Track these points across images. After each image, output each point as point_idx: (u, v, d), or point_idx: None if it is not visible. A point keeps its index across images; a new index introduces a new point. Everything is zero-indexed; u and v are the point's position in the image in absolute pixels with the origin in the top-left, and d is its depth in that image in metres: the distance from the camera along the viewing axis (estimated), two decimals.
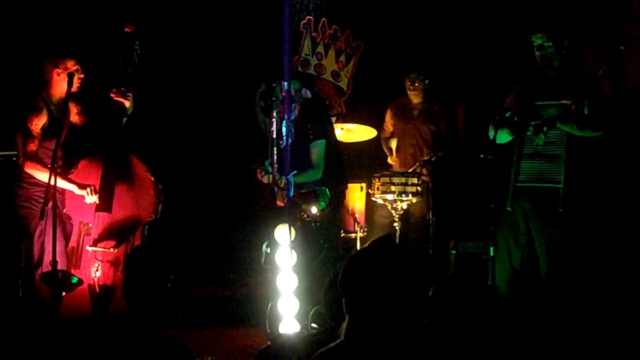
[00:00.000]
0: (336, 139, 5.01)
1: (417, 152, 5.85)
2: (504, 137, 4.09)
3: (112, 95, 4.48)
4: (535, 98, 4.04)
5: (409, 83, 5.87)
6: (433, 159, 5.72)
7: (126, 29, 4.50)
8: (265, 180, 4.48)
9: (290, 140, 4.23)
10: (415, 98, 5.91)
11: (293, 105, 4.54)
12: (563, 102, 3.97)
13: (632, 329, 3.83)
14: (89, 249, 4.30)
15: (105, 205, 4.37)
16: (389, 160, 5.97)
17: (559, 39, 4.06)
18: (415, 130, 5.86)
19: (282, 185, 4.43)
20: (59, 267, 3.90)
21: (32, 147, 4.33)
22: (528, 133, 4.04)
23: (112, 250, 4.30)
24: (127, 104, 4.51)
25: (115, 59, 4.53)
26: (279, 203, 4.58)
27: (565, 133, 4.00)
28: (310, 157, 4.58)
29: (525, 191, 4.05)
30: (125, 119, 4.53)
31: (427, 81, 5.88)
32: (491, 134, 4.14)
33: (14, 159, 4.72)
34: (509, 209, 4.00)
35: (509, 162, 4.12)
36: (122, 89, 4.48)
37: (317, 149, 4.60)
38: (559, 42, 4.05)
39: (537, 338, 3.63)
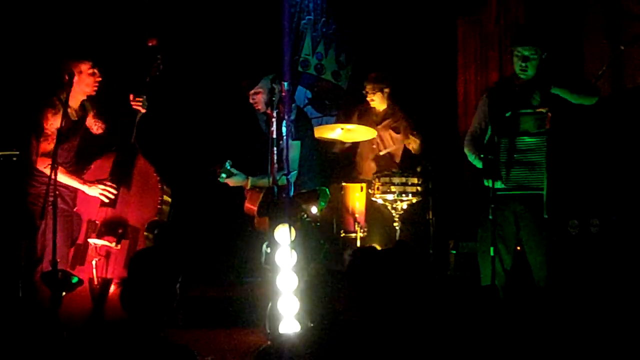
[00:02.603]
0: (315, 140, 4.89)
1: (379, 158, 5.87)
2: (477, 164, 4.21)
3: (130, 101, 4.51)
4: (507, 108, 4.05)
5: (367, 93, 5.86)
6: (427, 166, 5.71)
7: (149, 43, 4.54)
8: (230, 182, 4.47)
9: (289, 140, 4.22)
10: (376, 105, 5.91)
11: (293, 105, 4.54)
12: (539, 110, 4.00)
13: (627, 331, 3.83)
14: (91, 241, 4.33)
15: (109, 200, 4.40)
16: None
17: (543, 51, 4.09)
18: (378, 137, 5.86)
19: (249, 187, 4.49)
20: (60, 267, 3.92)
21: (46, 145, 4.34)
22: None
23: (113, 245, 4.32)
24: (142, 111, 4.55)
25: (137, 69, 4.58)
26: (249, 206, 4.59)
27: (544, 140, 4.01)
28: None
29: (513, 197, 4.05)
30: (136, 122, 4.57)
31: (386, 90, 5.85)
32: (468, 156, 4.28)
33: (14, 159, 4.73)
34: (490, 217, 4.00)
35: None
36: (143, 97, 4.52)
37: (292, 151, 4.45)
38: (541, 55, 4.09)
39: (533, 338, 3.64)
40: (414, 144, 5.83)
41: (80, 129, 4.58)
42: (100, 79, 4.48)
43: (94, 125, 4.66)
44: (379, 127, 5.85)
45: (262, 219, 4.57)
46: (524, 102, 4.05)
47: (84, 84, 4.42)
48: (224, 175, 4.43)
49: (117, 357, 2.47)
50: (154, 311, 2.54)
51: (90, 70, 4.43)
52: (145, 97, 4.53)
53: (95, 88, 4.49)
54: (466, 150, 4.31)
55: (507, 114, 4.01)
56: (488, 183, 3.99)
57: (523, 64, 4.07)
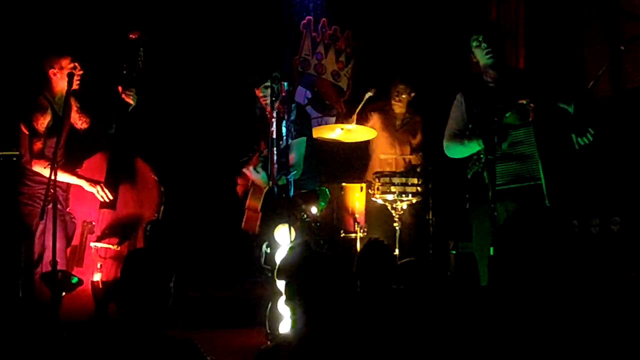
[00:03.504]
0: (313, 138, 4.93)
1: (398, 163, 5.86)
2: (472, 147, 4.04)
3: (120, 93, 4.53)
4: (486, 103, 4.00)
5: (395, 95, 5.85)
6: (427, 165, 5.71)
7: (131, 36, 4.55)
8: (253, 177, 4.41)
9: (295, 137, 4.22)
10: (398, 108, 5.91)
11: (293, 105, 4.53)
12: (520, 102, 3.96)
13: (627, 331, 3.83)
14: (93, 245, 4.34)
15: (109, 202, 4.41)
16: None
17: (494, 36, 4.07)
18: (396, 141, 5.86)
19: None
20: (59, 267, 3.92)
21: (39, 145, 4.39)
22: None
23: (115, 247, 4.33)
24: (132, 103, 4.56)
25: (121, 63, 4.59)
26: (252, 203, 4.58)
27: (531, 130, 3.99)
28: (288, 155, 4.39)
29: (506, 193, 4.01)
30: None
31: (413, 94, 5.87)
32: (454, 150, 4.15)
33: (14, 159, 4.75)
34: (496, 213, 3.97)
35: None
36: (132, 89, 4.53)
37: (298, 147, 4.47)
38: (495, 40, 4.06)
39: (533, 338, 3.63)
40: (414, 161, 5.86)
41: (66, 125, 4.58)
42: (82, 72, 4.50)
43: (79, 120, 4.68)
44: (398, 131, 5.86)
45: (250, 221, 4.55)
46: (502, 96, 4.01)
47: (66, 80, 4.40)
48: (257, 169, 4.35)
49: (121, 356, 2.47)
50: (148, 310, 2.53)
51: (71, 65, 4.45)
52: (134, 89, 4.54)
53: (78, 82, 4.49)
54: (451, 146, 4.16)
55: (507, 114, 3.98)
56: (500, 145, 3.92)
57: (488, 48, 4.03)
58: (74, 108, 4.65)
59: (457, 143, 4.13)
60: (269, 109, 4.29)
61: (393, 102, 5.88)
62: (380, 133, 5.90)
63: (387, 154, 5.86)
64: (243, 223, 4.67)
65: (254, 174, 4.43)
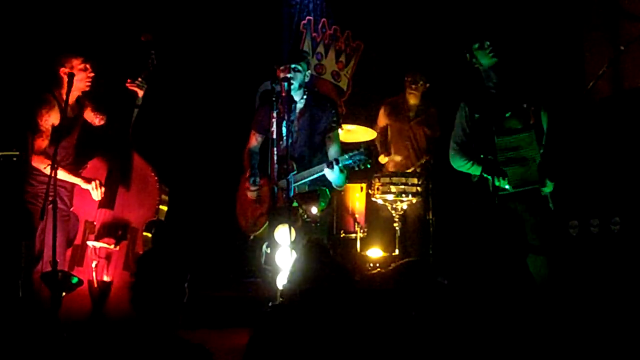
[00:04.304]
0: None
1: (412, 154, 5.84)
2: (476, 172, 4.09)
3: (127, 85, 4.53)
4: (488, 110, 4.03)
5: (410, 83, 5.83)
6: (429, 162, 5.71)
7: (142, 38, 4.57)
8: (331, 175, 4.19)
9: (293, 138, 4.19)
10: (412, 99, 5.89)
11: (293, 105, 4.51)
12: (520, 106, 3.98)
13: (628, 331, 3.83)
14: (90, 243, 4.33)
15: (107, 201, 4.41)
16: (380, 159, 5.93)
17: (495, 35, 4.09)
18: (411, 132, 5.85)
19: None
20: (59, 267, 3.92)
21: (40, 142, 4.38)
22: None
23: (112, 247, 4.31)
24: (141, 93, 4.56)
25: (131, 65, 4.60)
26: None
27: (533, 134, 4.00)
28: (330, 150, 4.32)
29: (513, 197, 4.01)
30: (136, 111, 4.56)
31: (427, 84, 5.86)
32: (459, 164, 4.18)
33: (14, 159, 4.75)
34: None
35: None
36: (139, 79, 4.53)
37: (338, 141, 4.37)
38: (497, 39, 4.09)
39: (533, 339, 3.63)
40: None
41: (77, 125, 4.59)
42: (92, 74, 4.51)
43: (95, 119, 4.68)
44: (412, 123, 5.85)
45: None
46: (504, 102, 4.03)
47: (76, 80, 4.43)
48: (340, 167, 4.17)
49: (133, 357, 2.49)
50: (165, 311, 2.56)
51: (82, 66, 4.46)
52: (141, 78, 4.54)
53: (89, 83, 4.51)
54: (457, 158, 4.20)
55: (507, 114, 3.99)
56: (499, 183, 3.97)
57: (490, 46, 4.05)
58: (89, 108, 4.66)
59: (464, 160, 4.17)
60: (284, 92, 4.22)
61: (408, 92, 5.86)
62: (392, 124, 5.90)
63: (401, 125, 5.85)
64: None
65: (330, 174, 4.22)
